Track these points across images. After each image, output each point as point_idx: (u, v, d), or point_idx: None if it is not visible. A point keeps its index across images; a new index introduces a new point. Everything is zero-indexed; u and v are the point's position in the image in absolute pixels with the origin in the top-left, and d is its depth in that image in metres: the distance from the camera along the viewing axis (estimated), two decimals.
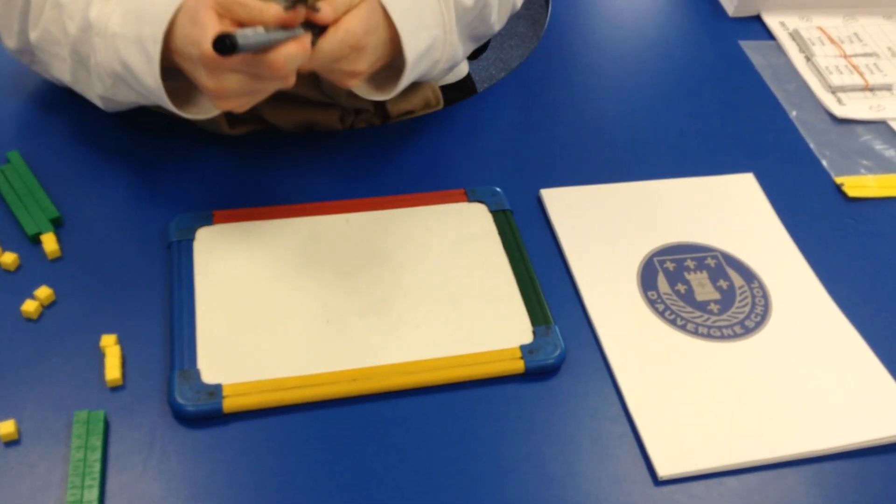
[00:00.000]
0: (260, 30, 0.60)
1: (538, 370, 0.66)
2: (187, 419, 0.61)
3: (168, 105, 0.67)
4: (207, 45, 0.59)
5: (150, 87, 0.66)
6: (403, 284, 0.71)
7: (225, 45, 0.57)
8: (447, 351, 0.66)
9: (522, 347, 0.67)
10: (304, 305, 0.68)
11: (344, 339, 0.66)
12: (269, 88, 0.65)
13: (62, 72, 0.74)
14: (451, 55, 0.78)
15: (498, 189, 0.80)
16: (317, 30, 0.64)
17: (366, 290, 0.70)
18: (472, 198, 0.79)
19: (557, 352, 0.67)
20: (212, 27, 0.60)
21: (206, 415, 0.61)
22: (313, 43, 0.64)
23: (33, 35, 0.72)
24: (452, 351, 0.66)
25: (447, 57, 0.77)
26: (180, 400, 0.61)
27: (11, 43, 0.75)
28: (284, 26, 0.61)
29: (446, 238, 0.75)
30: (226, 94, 0.64)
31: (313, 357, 0.65)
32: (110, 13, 0.67)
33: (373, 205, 0.77)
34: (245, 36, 0.58)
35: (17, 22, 0.73)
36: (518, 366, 0.66)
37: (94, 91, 0.72)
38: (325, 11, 0.64)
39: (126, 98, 0.72)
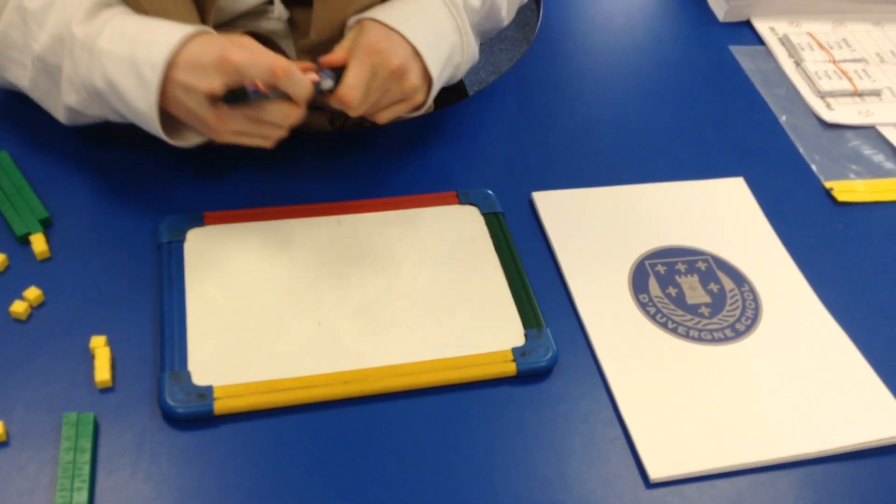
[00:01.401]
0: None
1: (530, 373, 0.66)
2: (177, 421, 0.61)
3: (156, 129, 0.68)
4: (231, 54, 0.63)
5: (141, 110, 0.66)
6: (395, 287, 0.71)
7: (235, 95, 0.63)
8: (439, 353, 0.66)
9: (514, 350, 0.67)
10: (295, 307, 0.68)
11: (335, 342, 0.66)
12: (267, 134, 0.68)
13: (19, 77, 0.72)
14: (471, 56, 0.79)
15: (490, 192, 0.80)
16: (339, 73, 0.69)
17: (357, 293, 0.70)
18: (463, 200, 0.79)
19: (549, 354, 0.67)
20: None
21: (196, 417, 0.60)
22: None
23: None
24: (444, 353, 0.66)
25: (467, 59, 0.78)
26: (170, 402, 0.60)
27: None
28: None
29: (438, 240, 0.75)
30: (225, 128, 0.66)
31: (305, 359, 0.64)
32: (99, 31, 0.66)
33: (364, 207, 0.77)
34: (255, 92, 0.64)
35: None
36: (510, 368, 0.66)
37: (63, 101, 0.71)
38: (337, 52, 0.70)
39: (97, 113, 0.71)
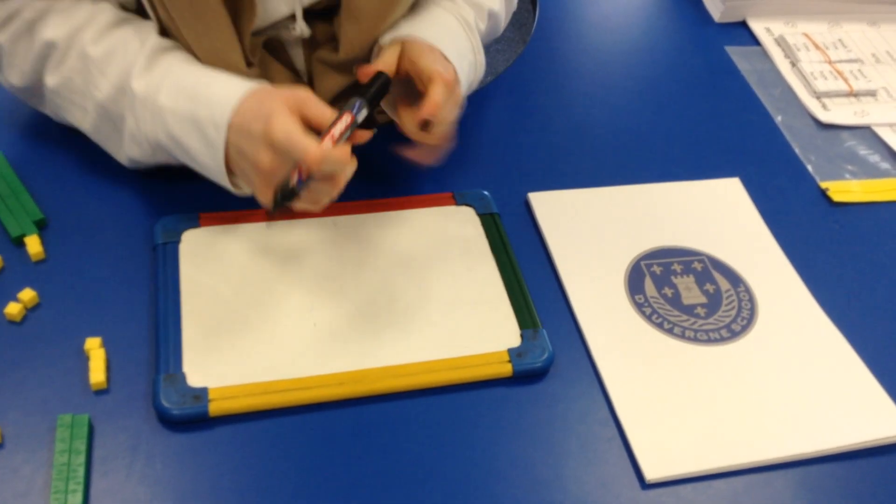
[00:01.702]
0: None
1: (526, 374, 0.66)
2: (172, 423, 0.60)
3: (224, 183, 0.68)
4: (283, 133, 0.61)
5: (209, 166, 0.67)
6: (391, 288, 0.71)
7: (284, 196, 0.61)
8: (435, 354, 0.66)
9: (510, 351, 0.67)
10: (290, 308, 0.68)
11: (331, 343, 0.66)
12: (317, 199, 0.66)
13: (81, 121, 0.73)
14: (480, 75, 0.80)
15: (486, 192, 0.80)
16: (370, 95, 0.68)
17: (353, 294, 0.70)
18: (460, 201, 0.79)
19: (545, 355, 0.67)
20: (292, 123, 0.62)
21: (191, 418, 0.60)
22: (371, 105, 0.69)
23: (52, 80, 0.71)
24: (440, 354, 0.66)
25: (477, 77, 0.80)
26: (165, 403, 0.60)
27: (17, 80, 0.73)
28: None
29: (434, 241, 0.75)
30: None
31: (300, 360, 0.64)
32: (158, 85, 0.66)
33: (361, 208, 0.77)
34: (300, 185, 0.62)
35: (31, 63, 0.71)
36: (506, 369, 0.66)
37: (125, 152, 0.71)
38: (380, 65, 0.70)
39: (161, 161, 0.72)
